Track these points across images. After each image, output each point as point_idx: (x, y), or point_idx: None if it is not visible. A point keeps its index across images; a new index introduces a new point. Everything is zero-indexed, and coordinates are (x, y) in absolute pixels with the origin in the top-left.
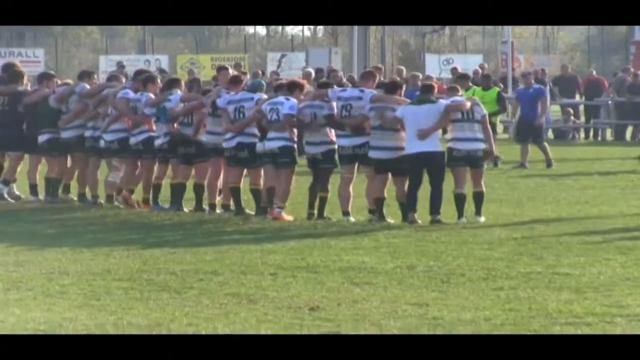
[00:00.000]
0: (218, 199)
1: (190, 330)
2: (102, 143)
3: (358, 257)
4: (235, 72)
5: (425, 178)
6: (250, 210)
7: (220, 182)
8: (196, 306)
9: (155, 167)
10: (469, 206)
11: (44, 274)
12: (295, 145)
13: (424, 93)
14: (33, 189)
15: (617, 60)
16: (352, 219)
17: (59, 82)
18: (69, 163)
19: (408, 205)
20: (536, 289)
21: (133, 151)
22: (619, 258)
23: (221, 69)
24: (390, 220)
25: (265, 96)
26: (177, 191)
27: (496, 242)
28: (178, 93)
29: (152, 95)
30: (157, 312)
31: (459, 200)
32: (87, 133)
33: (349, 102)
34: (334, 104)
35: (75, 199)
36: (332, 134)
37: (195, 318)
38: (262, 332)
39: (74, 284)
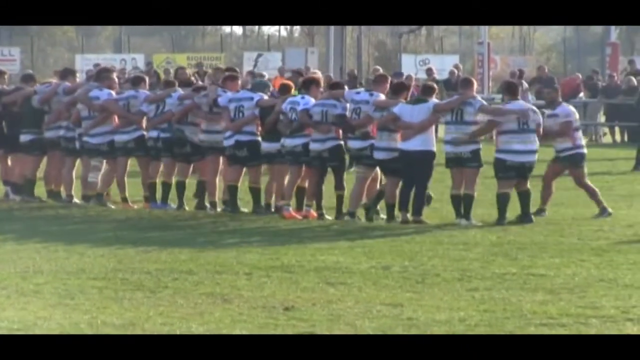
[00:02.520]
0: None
1: (164, 330)
2: (79, 144)
3: (333, 257)
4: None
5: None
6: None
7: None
8: (171, 306)
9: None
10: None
11: (18, 272)
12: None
13: (424, 93)
14: (14, 187)
15: (592, 61)
16: (358, 219)
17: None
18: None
19: (400, 205)
20: (511, 290)
21: (120, 149)
22: (594, 259)
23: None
24: (382, 216)
25: (265, 96)
26: (181, 190)
27: (471, 242)
28: (177, 91)
29: (147, 92)
30: (132, 312)
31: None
32: (61, 133)
33: (359, 105)
34: (348, 105)
35: (45, 197)
36: (338, 130)
37: (170, 317)
38: (237, 332)
39: (48, 283)
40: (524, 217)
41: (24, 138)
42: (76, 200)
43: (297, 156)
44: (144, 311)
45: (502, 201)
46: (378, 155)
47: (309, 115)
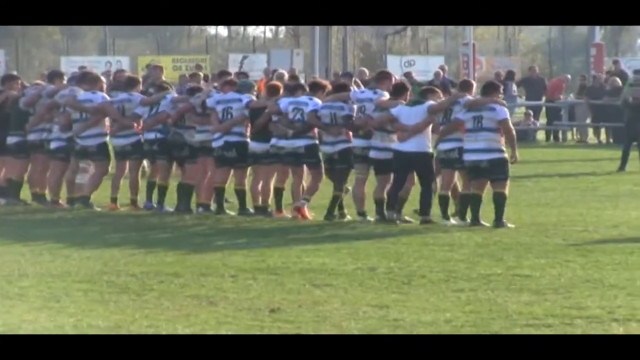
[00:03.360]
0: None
1: (150, 332)
2: (54, 145)
3: (319, 259)
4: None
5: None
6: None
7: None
8: (156, 308)
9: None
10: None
11: (3, 276)
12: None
13: (423, 95)
14: (0, 190)
15: (577, 62)
16: (370, 218)
17: (26, 83)
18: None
19: (387, 204)
20: (496, 291)
21: (119, 153)
22: (579, 260)
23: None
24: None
25: (254, 97)
26: (185, 192)
27: (457, 244)
28: (171, 94)
29: (141, 95)
30: (117, 314)
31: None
32: (44, 135)
33: (364, 103)
34: (355, 106)
35: (30, 200)
36: (348, 132)
37: (156, 320)
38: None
39: (33, 286)
40: (497, 222)
41: (10, 140)
42: (61, 202)
43: (299, 157)
44: (130, 314)
45: (471, 202)
46: (374, 154)
47: (317, 117)
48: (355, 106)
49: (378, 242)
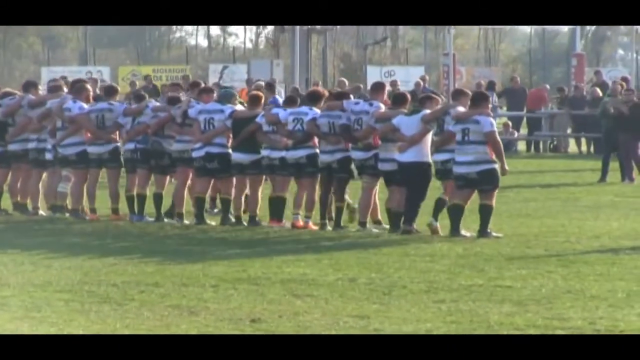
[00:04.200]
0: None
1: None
2: (49, 155)
3: (299, 269)
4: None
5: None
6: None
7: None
8: (137, 318)
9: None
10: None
11: None
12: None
13: (421, 104)
14: None
15: (558, 72)
16: (375, 230)
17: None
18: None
19: (405, 216)
20: (478, 302)
21: (94, 161)
22: (560, 271)
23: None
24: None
25: (238, 107)
26: (158, 201)
27: (438, 254)
28: (152, 103)
29: (122, 104)
30: (98, 324)
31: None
32: (31, 145)
33: (360, 115)
34: (352, 117)
35: (11, 210)
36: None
37: (136, 330)
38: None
39: (14, 295)
40: (481, 233)
41: None
42: (42, 212)
43: (301, 167)
44: (111, 324)
45: (452, 212)
46: (383, 166)
47: (316, 126)
48: (352, 117)
49: (359, 253)
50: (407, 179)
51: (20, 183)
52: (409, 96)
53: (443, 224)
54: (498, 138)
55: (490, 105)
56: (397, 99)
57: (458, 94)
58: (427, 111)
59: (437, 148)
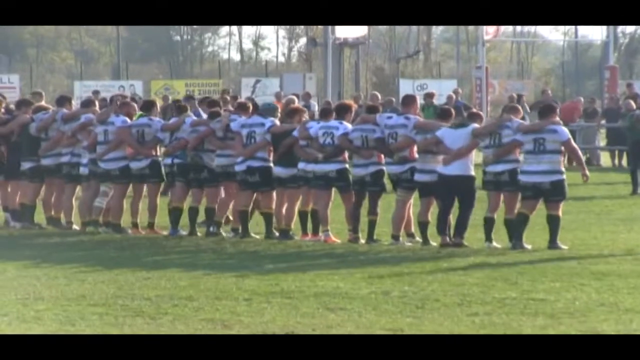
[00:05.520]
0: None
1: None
2: (84, 169)
3: (333, 283)
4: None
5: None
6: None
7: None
8: (171, 332)
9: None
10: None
11: (19, 299)
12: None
13: (469, 118)
14: (15, 214)
15: (591, 85)
16: (408, 243)
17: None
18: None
19: (438, 229)
20: (511, 315)
21: (136, 176)
22: (594, 283)
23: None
24: (433, 243)
25: (277, 121)
26: (193, 216)
27: (471, 267)
28: (190, 117)
29: (160, 120)
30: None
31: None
32: (64, 159)
33: (395, 129)
34: (385, 130)
35: (45, 224)
36: (380, 154)
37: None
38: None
39: (49, 309)
40: (551, 244)
41: (24, 166)
42: (75, 226)
43: (329, 181)
44: None
45: (516, 221)
46: (420, 177)
47: (349, 140)
48: (386, 131)
49: (392, 266)
50: (450, 192)
51: (54, 197)
52: (453, 112)
53: (477, 237)
54: (575, 145)
55: (557, 117)
56: (444, 114)
57: (512, 109)
58: (477, 125)
59: (497, 158)
